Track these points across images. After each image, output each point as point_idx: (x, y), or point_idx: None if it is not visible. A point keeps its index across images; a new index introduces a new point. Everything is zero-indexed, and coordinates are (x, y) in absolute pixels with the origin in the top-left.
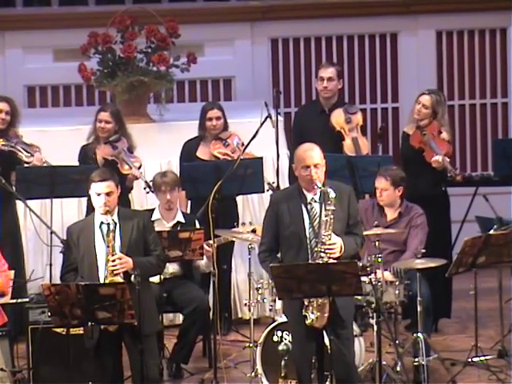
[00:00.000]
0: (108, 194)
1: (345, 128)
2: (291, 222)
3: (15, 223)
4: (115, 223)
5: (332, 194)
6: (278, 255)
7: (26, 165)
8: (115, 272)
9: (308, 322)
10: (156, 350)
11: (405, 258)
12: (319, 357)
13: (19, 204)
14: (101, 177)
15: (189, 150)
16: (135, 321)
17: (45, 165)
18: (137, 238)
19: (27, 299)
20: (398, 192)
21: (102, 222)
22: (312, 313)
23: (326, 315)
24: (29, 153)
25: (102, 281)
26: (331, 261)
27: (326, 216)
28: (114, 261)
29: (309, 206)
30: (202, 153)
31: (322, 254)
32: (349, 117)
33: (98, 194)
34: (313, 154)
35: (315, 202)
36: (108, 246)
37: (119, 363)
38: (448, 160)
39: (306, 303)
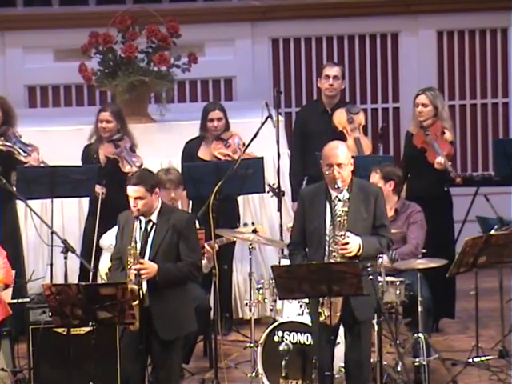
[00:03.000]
0: (136, 199)
1: (347, 128)
2: (314, 218)
3: (15, 223)
4: (153, 224)
5: (346, 196)
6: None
7: (25, 165)
8: (131, 278)
9: (321, 319)
10: (176, 356)
11: (404, 250)
12: (328, 357)
13: (20, 204)
14: (132, 180)
15: (190, 150)
16: (136, 321)
17: (42, 165)
18: (170, 243)
19: (28, 299)
20: (389, 187)
21: (140, 220)
22: (326, 310)
23: (338, 314)
24: (26, 152)
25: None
26: (342, 260)
27: (339, 217)
28: (136, 269)
29: (332, 204)
30: (204, 153)
31: (335, 254)
32: (351, 117)
33: (130, 197)
34: (338, 152)
35: (339, 200)
36: (131, 253)
37: (140, 362)
38: (450, 163)
39: (321, 300)
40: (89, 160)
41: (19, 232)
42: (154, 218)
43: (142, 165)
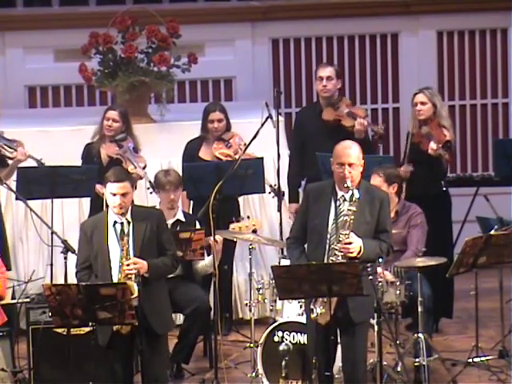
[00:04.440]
0: (123, 195)
1: (337, 113)
2: (317, 215)
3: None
4: (129, 222)
5: (356, 195)
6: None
7: (9, 160)
8: (129, 276)
9: (313, 316)
10: (166, 351)
11: (406, 257)
12: (325, 357)
13: (20, 204)
14: (117, 177)
15: (191, 151)
16: (136, 321)
17: (29, 159)
18: (150, 238)
19: (28, 299)
20: (392, 189)
21: (115, 222)
22: (318, 308)
23: (331, 313)
24: (12, 148)
25: (115, 281)
26: (343, 260)
27: (345, 216)
28: (128, 265)
29: (337, 203)
30: (205, 153)
31: (337, 253)
32: (335, 106)
33: (114, 195)
34: (350, 152)
35: (344, 200)
36: (122, 250)
37: (130, 365)
38: (440, 146)
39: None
40: (89, 159)
41: (2, 220)
42: (128, 217)
43: (145, 166)
